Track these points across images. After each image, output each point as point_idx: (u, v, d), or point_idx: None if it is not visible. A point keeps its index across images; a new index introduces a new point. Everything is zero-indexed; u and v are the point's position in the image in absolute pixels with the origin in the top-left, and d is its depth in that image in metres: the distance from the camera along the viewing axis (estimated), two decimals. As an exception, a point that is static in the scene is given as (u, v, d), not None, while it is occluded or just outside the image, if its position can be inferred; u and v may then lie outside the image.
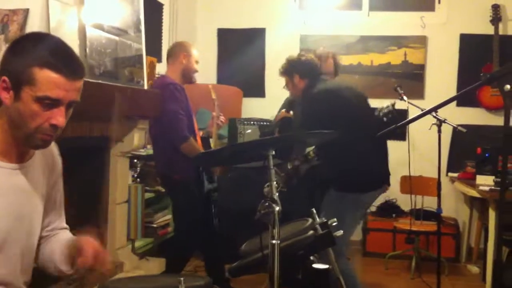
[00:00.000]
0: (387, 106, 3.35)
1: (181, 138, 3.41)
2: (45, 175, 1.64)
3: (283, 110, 3.98)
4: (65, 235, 1.72)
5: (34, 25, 2.85)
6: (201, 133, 3.95)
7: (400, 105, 4.17)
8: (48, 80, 1.40)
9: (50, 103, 1.42)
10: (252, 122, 4.98)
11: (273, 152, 1.72)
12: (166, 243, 4.37)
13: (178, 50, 3.62)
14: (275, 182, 1.72)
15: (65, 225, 1.78)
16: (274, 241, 1.66)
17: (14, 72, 1.42)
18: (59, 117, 1.43)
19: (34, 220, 1.60)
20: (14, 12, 2.87)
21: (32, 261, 1.65)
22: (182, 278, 1.54)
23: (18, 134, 1.47)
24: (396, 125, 2.69)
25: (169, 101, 3.42)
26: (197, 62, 3.66)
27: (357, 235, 5.29)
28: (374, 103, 4.20)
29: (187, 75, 3.62)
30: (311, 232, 2.06)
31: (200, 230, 3.58)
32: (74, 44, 3.03)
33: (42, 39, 1.51)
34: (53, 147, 1.69)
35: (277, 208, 1.67)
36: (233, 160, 2.04)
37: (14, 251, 1.54)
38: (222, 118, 3.93)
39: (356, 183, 3.08)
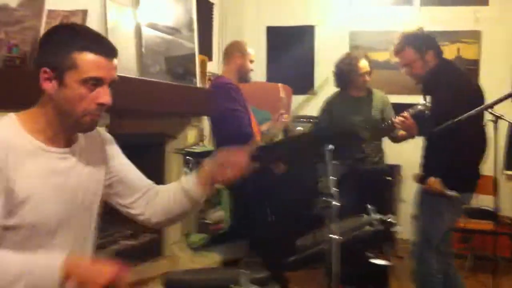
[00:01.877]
0: (419, 104, 3.27)
1: (245, 136, 3.44)
2: (95, 155, 1.68)
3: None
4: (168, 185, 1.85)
5: (92, 26, 2.89)
6: (263, 126, 3.97)
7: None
8: (89, 61, 1.48)
9: (94, 83, 1.49)
10: (302, 120, 4.99)
11: (331, 147, 1.73)
12: (221, 238, 4.43)
13: (233, 50, 3.69)
14: (332, 177, 1.72)
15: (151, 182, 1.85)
16: (333, 236, 1.67)
17: (54, 61, 1.48)
18: (105, 96, 1.51)
19: (89, 201, 1.64)
20: (72, 13, 2.96)
21: (92, 242, 1.69)
22: (243, 270, 1.57)
23: (67, 120, 1.52)
24: (453, 121, 2.64)
25: (227, 101, 3.48)
26: (251, 61, 3.70)
27: (411, 234, 5.21)
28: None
29: (243, 75, 3.68)
30: (368, 227, 2.05)
31: (255, 227, 3.60)
32: (130, 43, 3.12)
33: (72, 27, 1.62)
34: (103, 133, 1.76)
35: (335, 203, 1.67)
36: (290, 155, 2.05)
37: (71, 233, 1.58)
38: (286, 116, 3.91)
39: (467, 181, 2.94)
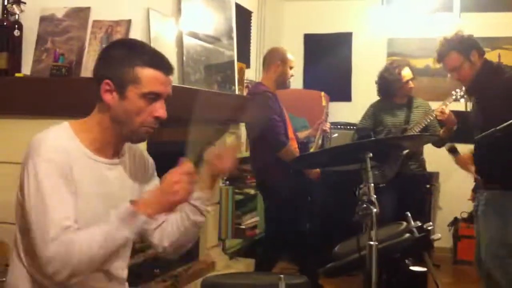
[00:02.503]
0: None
1: (278, 144, 3.51)
2: (139, 173, 1.77)
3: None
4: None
5: (136, 35, 3.00)
6: (302, 134, 4.01)
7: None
8: (151, 77, 1.57)
9: (153, 97, 1.58)
10: (338, 126, 5.00)
11: (371, 155, 1.75)
12: (256, 244, 4.46)
13: (273, 58, 3.72)
14: (372, 184, 1.74)
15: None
16: (371, 243, 1.68)
17: (117, 75, 1.57)
18: (162, 110, 1.60)
19: None
20: (117, 23, 3.04)
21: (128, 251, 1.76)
22: (282, 276, 1.60)
23: (123, 130, 1.61)
24: (497, 128, 2.59)
25: (263, 108, 3.52)
26: (291, 67, 3.73)
27: (447, 241, 5.16)
28: (460, 106, 4.10)
29: (282, 82, 3.72)
30: (407, 235, 2.05)
31: (290, 233, 3.63)
32: (172, 52, 3.18)
33: (134, 42, 1.72)
34: (142, 148, 1.84)
35: (374, 210, 1.69)
36: (329, 163, 2.07)
37: None
38: (327, 125, 3.99)
39: None
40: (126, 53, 1.60)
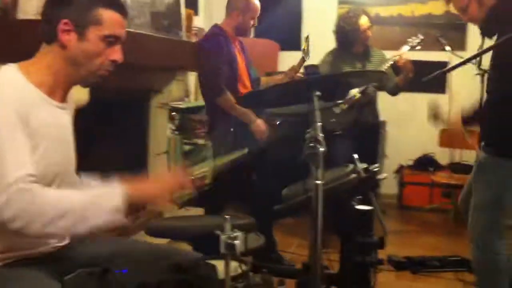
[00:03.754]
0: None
1: (214, 91, 3.35)
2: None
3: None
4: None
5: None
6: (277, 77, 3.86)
7: (442, 56, 4.10)
8: (113, 19, 1.56)
9: (112, 41, 1.57)
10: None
11: (318, 93, 1.72)
12: (206, 194, 4.43)
13: (235, 4, 3.51)
14: (319, 123, 1.72)
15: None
16: (318, 182, 1.67)
17: (77, 15, 1.53)
18: (119, 53, 1.59)
19: (73, 158, 1.70)
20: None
21: None
22: (227, 217, 1.58)
23: (78, 72, 1.58)
24: (439, 72, 2.59)
25: (209, 52, 3.36)
26: (253, 18, 3.53)
27: (393, 188, 5.29)
28: (416, 55, 4.14)
29: (241, 30, 3.54)
30: (354, 175, 2.07)
31: (238, 181, 3.53)
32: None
33: None
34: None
35: (321, 149, 1.67)
36: (277, 102, 2.04)
37: (62, 188, 1.60)
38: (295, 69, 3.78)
39: None
40: None
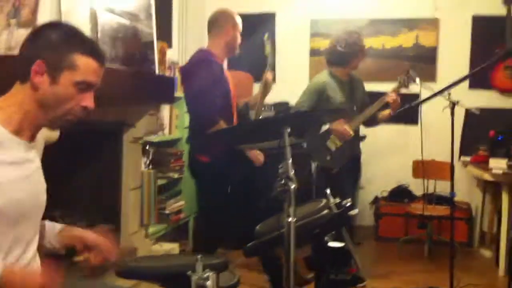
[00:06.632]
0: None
1: (208, 121, 3.13)
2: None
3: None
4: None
5: (45, 10, 2.83)
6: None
7: (414, 88, 4.16)
8: (88, 66, 1.54)
9: (85, 87, 1.55)
10: (263, 107, 4.96)
11: (289, 130, 1.71)
12: (181, 228, 4.36)
13: (225, 20, 3.38)
14: (290, 160, 1.71)
15: None
16: (290, 219, 1.65)
17: (53, 58, 1.52)
18: (90, 100, 1.58)
19: (43, 197, 1.67)
20: (25, -4, 2.86)
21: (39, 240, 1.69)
22: (199, 256, 1.54)
23: (48, 114, 1.55)
24: (407, 106, 2.64)
25: (202, 78, 3.18)
26: (240, 34, 3.42)
27: (369, 219, 5.30)
28: (385, 87, 4.20)
29: (232, 47, 3.40)
30: (326, 211, 2.05)
31: (223, 214, 3.31)
32: (85, 28, 3.01)
33: (71, 28, 1.63)
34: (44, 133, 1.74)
35: (293, 186, 1.66)
36: (248, 139, 2.02)
37: (29, 226, 1.59)
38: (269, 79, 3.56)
39: None
40: (65, 37, 1.55)
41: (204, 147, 3.28)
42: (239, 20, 3.44)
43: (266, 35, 3.53)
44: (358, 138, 4.06)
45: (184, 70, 3.51)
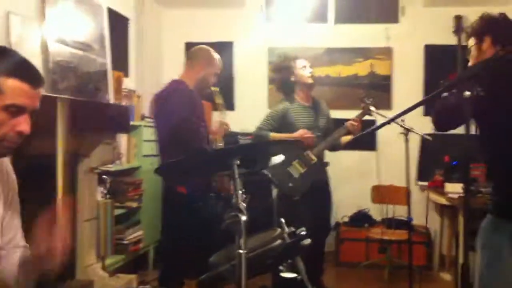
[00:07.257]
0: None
1: (195, 149, 3.07)
2: (1, 192, 1.61)
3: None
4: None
5: (-6, 40, 2.80)
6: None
7: (368, 116, 4.22)
8: (16, 88, 1.44)
9: (15, 111, 1.45)
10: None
11: (238, 162, 1.71)
12: (140, 259, 4.26)
13: (202, 56, 3.34)
14: (241, 192, 1.69)
15: (25, 244, 1.73)
16: (241, 251, 1.64)
17: None
18: (25, 124, 1.47)
19: None
20: (-27, 27, 2.82)
21: None
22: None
23: None
24: (362, 132, 2.68)
25: (184, 108, 3.10)
26: (215, 74, 3.37)
27: (330, 245, 5.29)
28: (342, 114, 4.26)
29: (202, 86, 3.33)
30: (279, 241, 2.04)
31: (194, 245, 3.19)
32: (36, 58, 2.99)
33: (1, 51, 1.53)
34: (8, 164, 1.67)
35: (243, 218, 1.64)
36: (197, 171, 2.00)
37: None
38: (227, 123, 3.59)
39: None
40: None
41: (182, 178, 3.07)
42: (216, 62, 3.37)
43: (214, 88, 3.45)
44: (322, 164, 4.07)
45: (159, 98, 3.31)
